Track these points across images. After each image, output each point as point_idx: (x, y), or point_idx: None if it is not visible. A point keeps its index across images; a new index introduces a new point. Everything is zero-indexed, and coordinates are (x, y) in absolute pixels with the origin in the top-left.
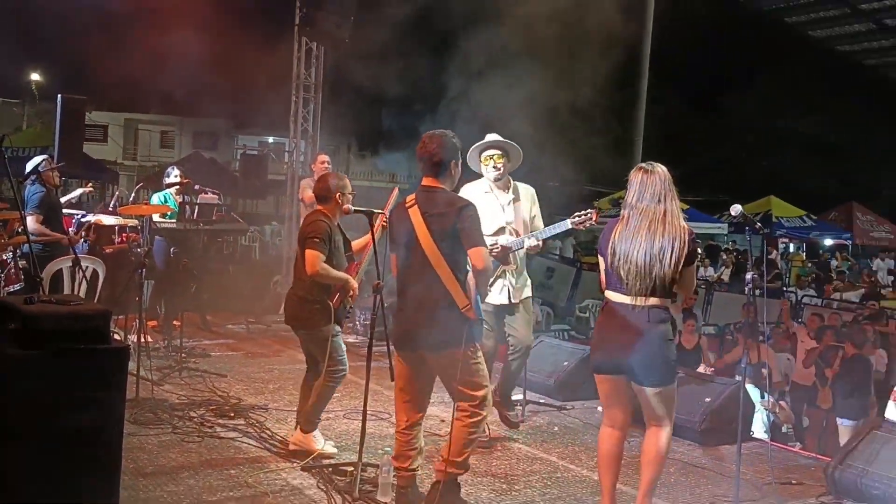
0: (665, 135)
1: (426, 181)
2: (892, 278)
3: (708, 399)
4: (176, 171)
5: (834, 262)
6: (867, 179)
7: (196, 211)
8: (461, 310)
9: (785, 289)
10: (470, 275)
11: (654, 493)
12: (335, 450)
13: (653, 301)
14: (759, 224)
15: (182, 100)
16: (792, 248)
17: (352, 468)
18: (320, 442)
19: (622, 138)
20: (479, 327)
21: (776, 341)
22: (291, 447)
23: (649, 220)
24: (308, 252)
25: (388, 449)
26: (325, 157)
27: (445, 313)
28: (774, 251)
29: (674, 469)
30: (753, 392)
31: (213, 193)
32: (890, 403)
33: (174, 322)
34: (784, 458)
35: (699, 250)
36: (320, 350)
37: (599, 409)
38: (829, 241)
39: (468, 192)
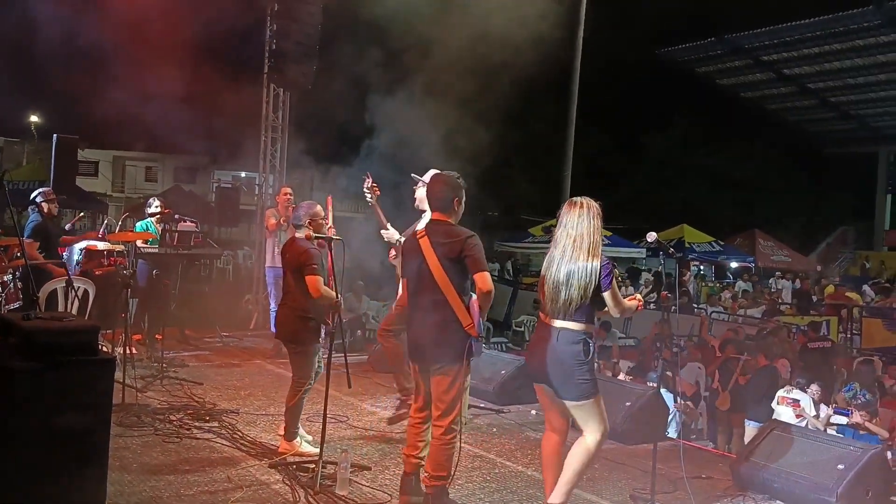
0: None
1: (435, 216)
2: (793, 299)
3: (628, 403)
4: (157, 202)
5: (739, 283)
6: (767, 209)
7: (176, 237)
8: (465, 328)
9: (695, 306)
10: (474, 297)
11: (570, 487)
12: (316, 449)
13: (562, 324)
14: (672, 249)
15: (164, 138)
16: (702, 269)
17: (313, 465)
18: (305, 446)
19: (553, 174)
20: (479, 345)
21: (689, 352)
22: (281, 452)
23: (565, 248)
24: (310, 278)
25: (346, 447)
26: (288, 189)
27: (450, 331)
28: (687, 272)
29: (598, 465)
30: (667, 397)
31: (192, 222)
32: (777, 406)
33: (156, 336)
34: (696, 455)
35: (616, 274)
36: (305, 363)
37: (533, 412)
38: (734, 264)
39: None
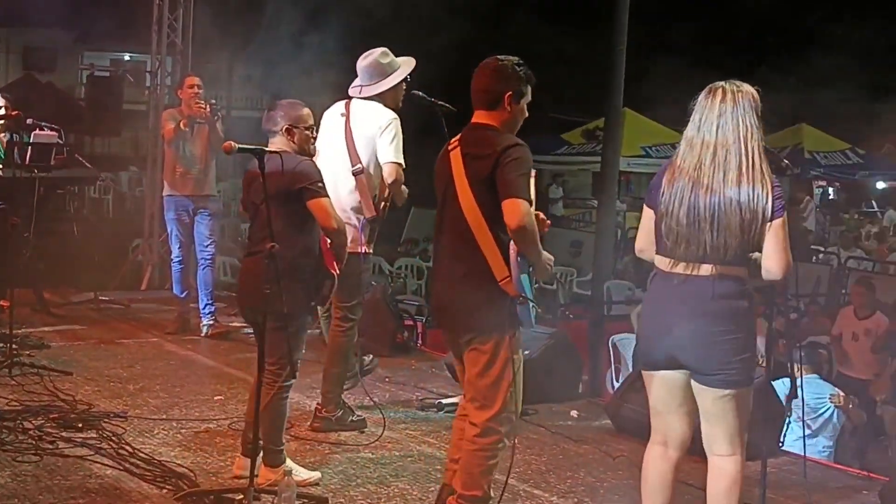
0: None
1: (476, 117)
2: None
3: None
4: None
5: (890, 213)
6: None
7: (28, 153)
8: (499, 283)
9: (820, 249)
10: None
11: None
12: (317, 474)
13: (719, 269)
14: (785, 161)
15: (7, 4)
16: (832, 192)
17: (241, 496)
18: (299, 472)
19: (596, 49)
20: (526, 310)
21: (813, 319)
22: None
23: (702, 162)
24: (317, 203)
25: (290, 466)
26: (195, 80)
27: (479, 287)
28: (808, 197)
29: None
30: (780, 387)
31: (52, 130)
32: None
33: (1, 302)
34: (829, 477)
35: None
36: (291, 345)
37: (574, 412)
38: (881, 184)
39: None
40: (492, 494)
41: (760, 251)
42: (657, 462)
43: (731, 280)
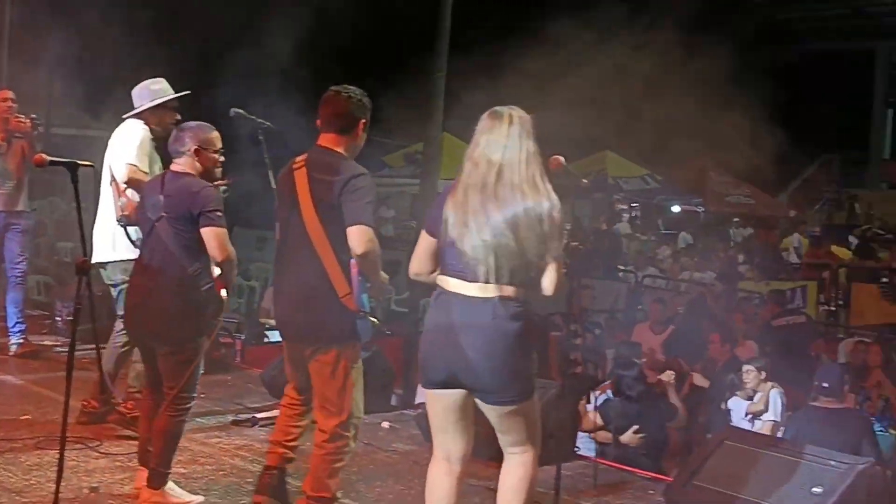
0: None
1: (324, 140)
2: (755, 257)
3: None
4: None
5: (683, 235)
6: (721, 131)
7: None
8: (341, 298)
9: (621, 268)
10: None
11: None
12: (200, 498)
13: (496, 291)
14: (584, 180)
15: None
16: (634, 214)
17: None
18: (180, 495)
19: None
20: (365, 323)
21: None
22: None
23: (486, 181)
24: (212, 231)
25: (97, 485)
26: (9, 94)
27: (322, 301)
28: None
29: (479, 499)
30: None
31: None
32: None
33: None
34: (615, 478)
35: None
36: (182, 369)
37: (386, 424)
38: (676, 208)
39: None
40: (338, 496)
41: (541, 273)
42: (442, 478)
43: (511, 301)
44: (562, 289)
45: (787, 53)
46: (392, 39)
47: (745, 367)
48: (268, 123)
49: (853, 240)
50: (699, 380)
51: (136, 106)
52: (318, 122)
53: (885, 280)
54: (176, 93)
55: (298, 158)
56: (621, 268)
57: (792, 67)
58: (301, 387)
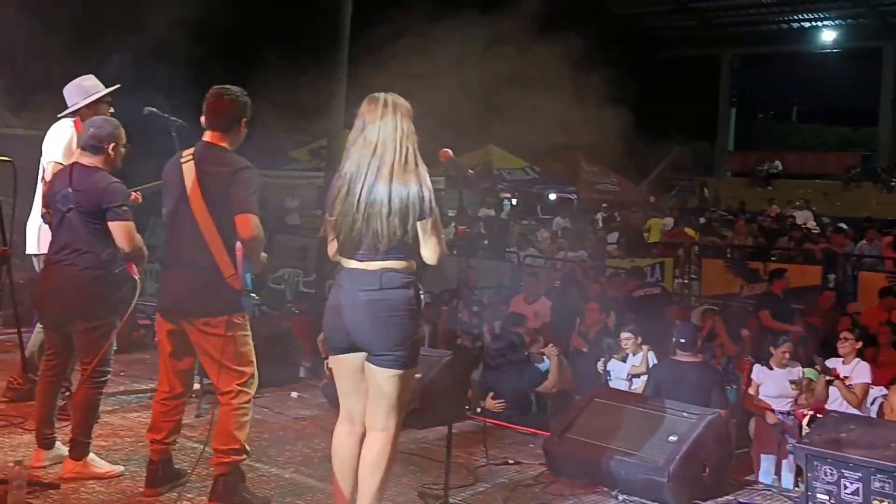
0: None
1: (210, 136)
2: (621, 237)
3: (419, 375)
4: None
5: (558, 220)
6: (586, 126)
7: None
8: (226, 278)
9: (507, 249)
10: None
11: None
12: (120, 468)
13: (381, 264)
14: (470, 171)
15: None
16: (514, 202)
17: None
18: (101, 465)
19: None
20: (248, 299)
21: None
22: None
23: (360, 162)
24: (120, 225)
25: (21, 459)
26: None
27: (209, 281)
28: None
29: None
30: None
31: None
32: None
33: None
34: (505, 437)
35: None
36: (97, 345)
37: (294, 394)
38: (553, 196)
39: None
40: (248, 448)
41: (421, 245)
42: (345, 438)
43: (396, 272)
44: (443, 257)
45: (646, 59)
46: (297, 47)
47: (624, 334)
48: (180, 121)
49: (703, 221)
50: (578, 342)
51: (69, 104)
52: (203, 119)
53: (728, 255)
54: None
55: (185, 152)
56: (506, 249)
57: (650, 72)
58: (177, 380)
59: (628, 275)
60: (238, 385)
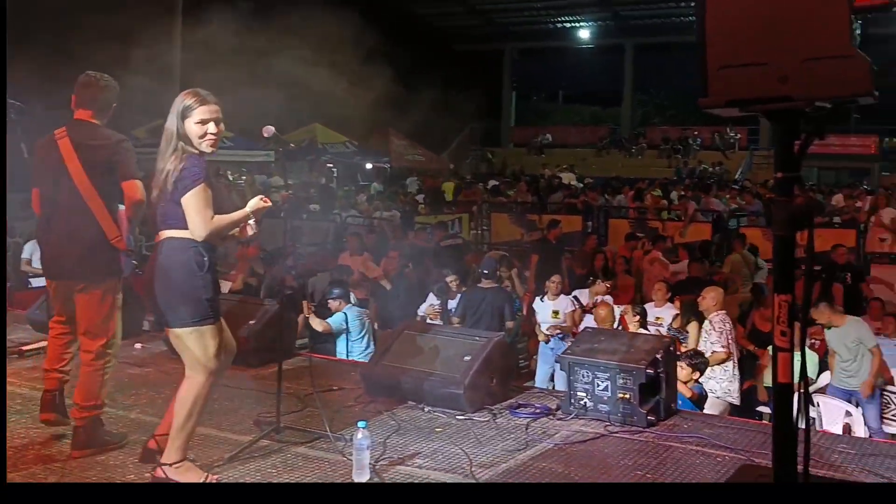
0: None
1: (82, 114)
2: (427, 197)
3: (251, 322)
4: None
5: (374, 185)
6: (399, 107)
7: None
8: (111, 241)
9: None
10: (122, 208)
11: (182, 441)
12: None
13: (164, 233)
14: (292, 144)
15: None
16: (336, 171)
17: None
18: None
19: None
20: (129, 261)
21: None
22: None
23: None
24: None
25: None
26: None
27: (96, 245)
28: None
29: (218, 395)
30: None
31: None
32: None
33: None
34: (330, 368)
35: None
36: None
37: (138, 345)
38: (369, 165)
39: None
40: (106, 402)
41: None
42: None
43: (175, 241)
44: (208, 233)
45: (445, 53)
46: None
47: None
48: (18, 103)
49: (492, 183)
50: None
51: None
52: (75, 99)
53: (512, 210)
54: None
55: (58, 131)
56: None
57: (448, 63)
58: (68, 319)
59: (435, 228)
60: (101, 346)
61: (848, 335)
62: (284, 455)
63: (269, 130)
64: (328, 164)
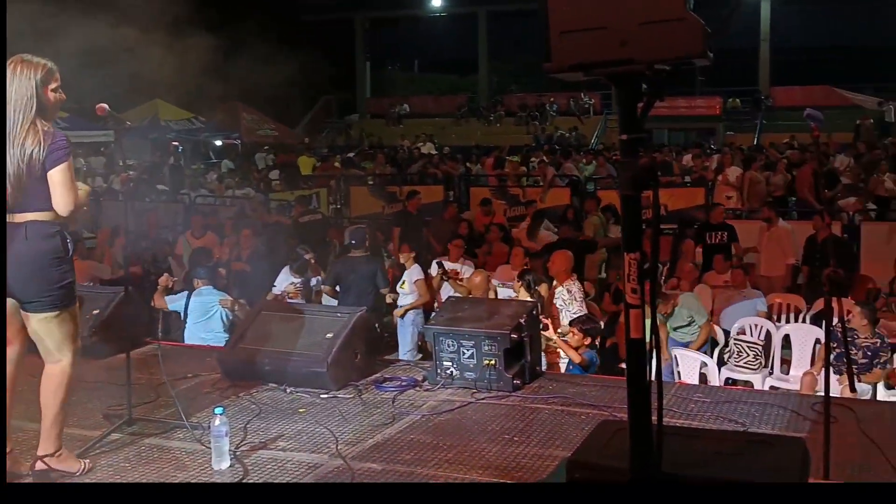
0: None
1: None
2: (281, 173)
3: (96, 311)
4: None
5: (225, 162)
6: (246, 80)
7: None
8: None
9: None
10: None
11: (58, 430)
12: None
13: (25, 217)
14: (128, 122)
15: None
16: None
17: None
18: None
19: None
20: None
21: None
22: None
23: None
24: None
25: None
26: None
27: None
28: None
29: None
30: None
31: None
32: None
33: None
34: (183, 355)
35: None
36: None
37: None
38: (219, 142)
39: None
40: None
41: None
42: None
43: (39, 224)
44: (73, 205)
45: (291, 24)
46: None
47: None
48: None
49: (347, 155)
50: (239, 266)
51: None
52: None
53: (371, 182)
54: None
55: None
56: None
57: (296, 34)
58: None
59: (297, 203)
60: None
61: (683, 308)
62: (138, 448)
63: (102, 108)
64: (174, 143)
